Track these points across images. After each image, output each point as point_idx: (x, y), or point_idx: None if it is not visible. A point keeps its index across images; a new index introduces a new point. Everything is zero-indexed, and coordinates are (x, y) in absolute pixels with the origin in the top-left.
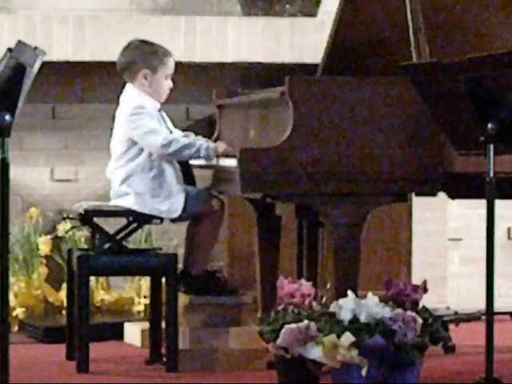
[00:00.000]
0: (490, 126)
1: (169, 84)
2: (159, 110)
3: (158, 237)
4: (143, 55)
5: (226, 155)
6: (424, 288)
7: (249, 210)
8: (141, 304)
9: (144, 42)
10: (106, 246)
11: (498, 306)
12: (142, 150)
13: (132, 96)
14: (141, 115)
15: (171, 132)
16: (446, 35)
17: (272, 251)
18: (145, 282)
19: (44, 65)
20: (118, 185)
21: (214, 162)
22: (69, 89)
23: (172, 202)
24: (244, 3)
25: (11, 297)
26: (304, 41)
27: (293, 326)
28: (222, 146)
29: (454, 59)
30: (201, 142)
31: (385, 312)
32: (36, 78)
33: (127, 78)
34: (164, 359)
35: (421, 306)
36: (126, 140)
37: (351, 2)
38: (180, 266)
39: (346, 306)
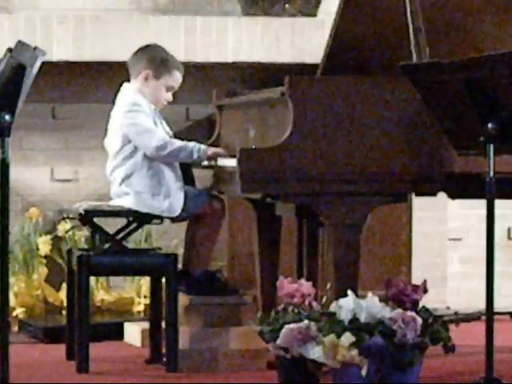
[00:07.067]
0: (490, 125)
1: (168, 97)
2: (154, 109)
3: (158, 237)
4: (153, 58)
5: (217, 157)
6: (424, 288)
7: (249, 209)
8: (141, 304)
9: (163, 49)
10: (106, 246)
11: (498, 306)
12: (137, 147)
13: (128, 94)
14: (137, 112)
15: (168, 133)
16: (446, 35)
17: (272, 251)
18: (145, 282)
19: (44, 65)
20: (119, 184)
21: (206, 162)
22: (69, 89)
23: (172, 201)
24: (244, 3)
25: (11, 297)
26: (304, 41)
27: (293, 325)
28: (212, 149)
29: (454, 59)
30: (193, 144)
31: (385, 312)
32: (36, 78)
33: (131, 72)
34: (164, 359)
35: (421, 306)
36: (120, 136)
37: (351, 2)
38: (180, 266)
39: (345, 306)
